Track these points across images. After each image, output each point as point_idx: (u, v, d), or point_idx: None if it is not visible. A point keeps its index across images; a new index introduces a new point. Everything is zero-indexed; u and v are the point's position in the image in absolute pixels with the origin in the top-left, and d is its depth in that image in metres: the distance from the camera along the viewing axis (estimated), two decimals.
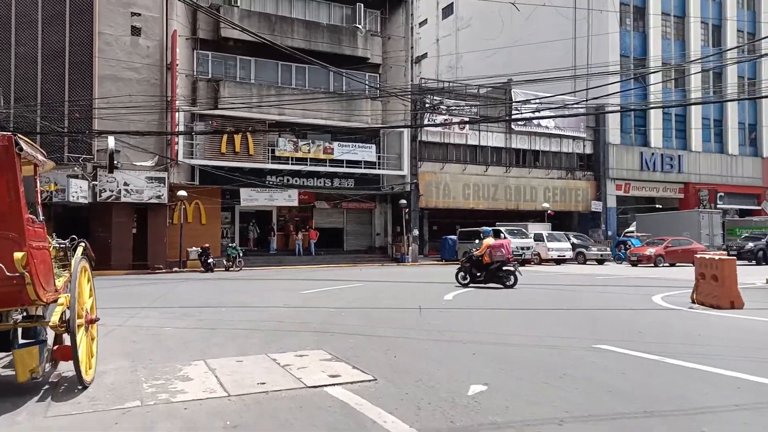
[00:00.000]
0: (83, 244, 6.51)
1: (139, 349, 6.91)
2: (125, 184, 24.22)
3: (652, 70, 34.90)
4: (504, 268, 15.06)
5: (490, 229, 16.17)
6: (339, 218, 32.56)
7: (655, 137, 38.47)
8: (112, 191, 24.05)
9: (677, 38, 39.47)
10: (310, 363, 5.97)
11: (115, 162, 23.02)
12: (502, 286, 14.99)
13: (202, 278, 20.57)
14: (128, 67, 24.27)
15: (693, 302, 10.95)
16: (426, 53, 52.15)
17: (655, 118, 38.42)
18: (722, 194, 39.95)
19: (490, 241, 15.54)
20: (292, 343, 7.24)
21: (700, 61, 35.22)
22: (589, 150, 36.70)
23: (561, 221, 35.67)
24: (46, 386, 5.12)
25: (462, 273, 15.83)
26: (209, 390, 4.98)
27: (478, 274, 15.34)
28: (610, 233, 36.14)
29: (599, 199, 36.37)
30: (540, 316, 10.09)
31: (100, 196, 23.87)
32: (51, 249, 5.71)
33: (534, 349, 6.77)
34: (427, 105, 31.20)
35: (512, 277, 15.06)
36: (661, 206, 38.50)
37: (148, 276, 22.09)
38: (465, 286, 15.48)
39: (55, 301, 4.98)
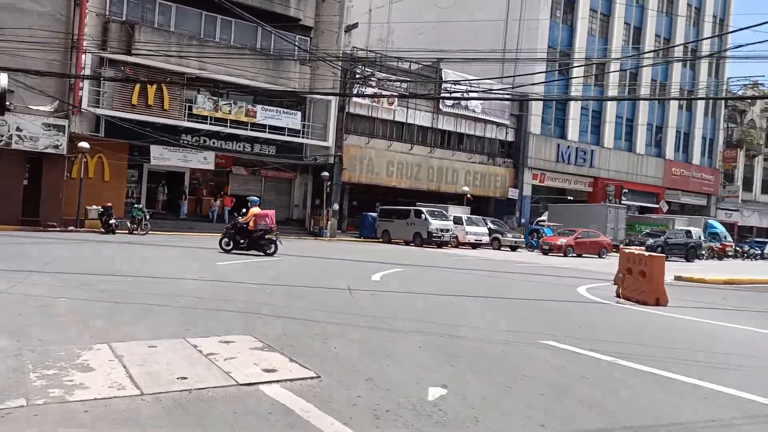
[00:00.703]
0: None
1: (27, 325, 5.76)
2: (18, 129, 21.62)
3: (576, 65, 35.85)
4: (266, 236, 15.81)
5: (257, 198, 17.43)
6: (256, 186, 31.10)
7: (572, 131, 39.78)
8: (2, 136, 21.41)
9: (601, 35, 40.78)
10: (239, 352, 5.15)
11: (8, 103, 20.31)
12: (263, 254, 15.58)
13: (102, 240, 18.78)
14: None
15: (618, 296, 11.05)
16: (357, 23, 50.65)
17: (574, 111, 39.69)
18: (627, 191, 42.11)
19: (256, 210, 16.11)
20: (213, 325, 6.36)
21: (619, 59, 36.58)
22: (511, 137, 37.33)
23: (479, 206, 36.14)
24: None
25: (226, 239, 16.12)
26: (117, 385, 4.06)
27: (242, 241, 15.85)
28: (523, 221, 37.14)
29: (516, 186, 37.21)
30: (474, 304, 9.75)
31: None
32: None
33: (481, 344, 6.32)
34: (357, 76, 30.26)
35: (273, 246, 15.84)
36: (572, 198, 40.04)
37: (40, 234, 19.93)
38: (228, 252, 15.78)
39: None
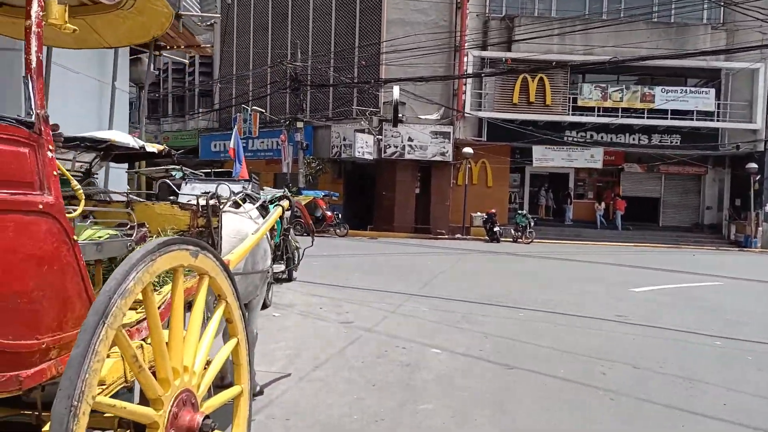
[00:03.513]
0: (285, 204, 3.40)
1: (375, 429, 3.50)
2: (409, 139, 22.25)
3: None
4: None
5: None
6: (654, 185, 26.02)
7: None
8: (396, 147, 22.32)
9: None
10: None
11: (400, 115, 21.07)
12: None
13: (487, 250, 17.26)
14: (416, 8, 21.94)
15: None
16: None
17: None
18: None
19: None
20: None
21: None
22: None
23: None
24: None
25: None
26: None
27: None
28: None
29: None
30: None
31: (385, 152, 22.36)
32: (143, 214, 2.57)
33: None
34: None
35: None
36: None
37: (429, 242, 19.76)
38: None
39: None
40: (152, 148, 4.75)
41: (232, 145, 8.39)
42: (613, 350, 5.38)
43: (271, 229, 3.90)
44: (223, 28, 27.94)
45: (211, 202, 2.63)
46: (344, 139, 22.52)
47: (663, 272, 12.09)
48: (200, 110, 29.06)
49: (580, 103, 23.14)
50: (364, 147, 21.83)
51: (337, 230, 20.05)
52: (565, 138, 23.48)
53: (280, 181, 23.86)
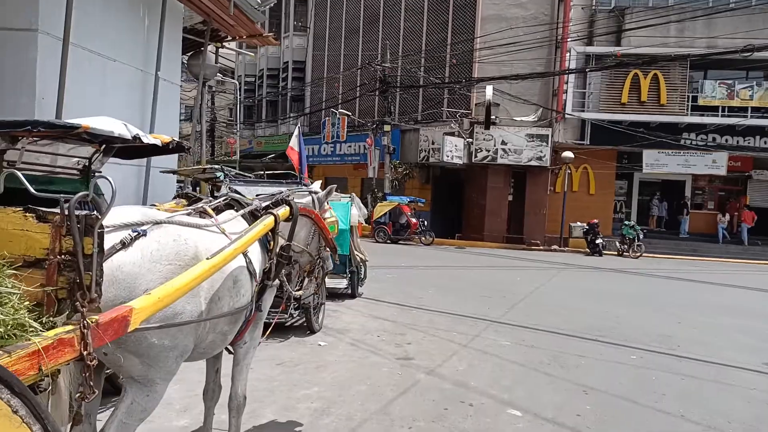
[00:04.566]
0: (282, 212, 2.40)
1: None
2: (503, 142, 20.68)
3: None
4: None
5: None
6: None
7: None
8: (488, 151, 20.82)
9: None
10: None
11: (493, 117, 19.60)
12: None
13: (587, 265, 15.38)
14: (514, 2, 20.38)
15: None
16: None
17: None
18: None
19: None
20: None
21: None
22: None
23: None
24: None
25: None
26: None
27: None
28: None
29: None
30: None
31: (476, 156, 20.91)
32: None
33: None
34: None
35: None
36: None
37: (522, 253, 18.09)
38: None
39: None
40: (153, 139, 3.82)
41: (292, 145, 7.51)
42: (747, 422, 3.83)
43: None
44: (314, 33, 27.90)
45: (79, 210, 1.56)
46: (432, 143, 21.36)
47: None
48: (291, 114, 29.08)
49: (701, 102, 20.49)
50: (453, 151, 20.54)
51: (422, 238, 18.94)
52: (682, 141, 20.89)
53: (367, 186, 23.16)
